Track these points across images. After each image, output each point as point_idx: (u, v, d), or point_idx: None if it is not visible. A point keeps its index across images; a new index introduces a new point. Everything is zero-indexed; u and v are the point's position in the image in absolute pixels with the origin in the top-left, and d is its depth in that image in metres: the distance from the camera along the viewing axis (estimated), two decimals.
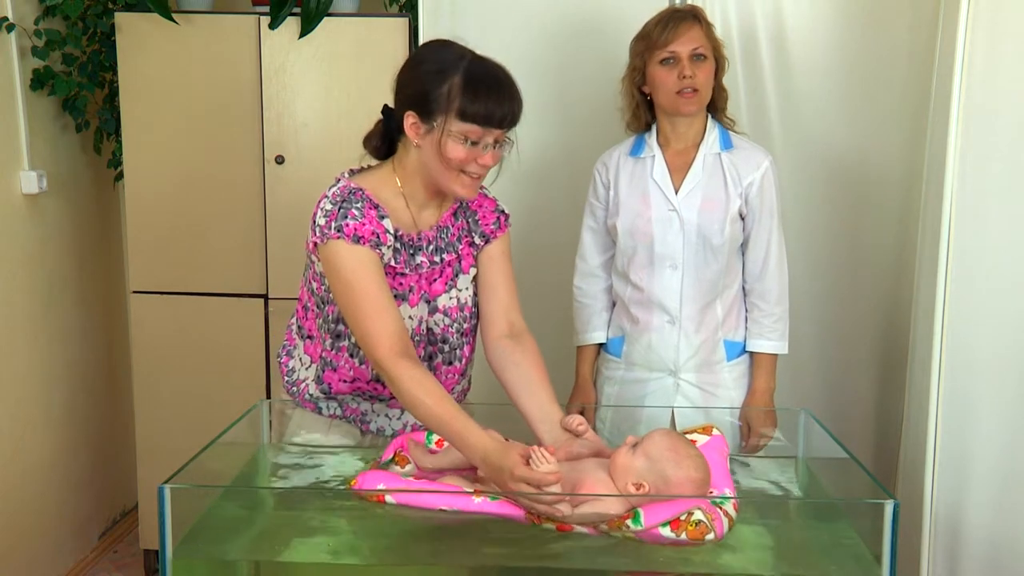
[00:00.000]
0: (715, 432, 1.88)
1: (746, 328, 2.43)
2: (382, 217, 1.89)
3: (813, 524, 1.78)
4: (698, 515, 1.60)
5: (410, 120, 1.88)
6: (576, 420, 1.87)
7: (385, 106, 1.98)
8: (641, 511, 1.63)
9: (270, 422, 2.09)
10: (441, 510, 1.68)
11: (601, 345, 2.53)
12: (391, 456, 1.89)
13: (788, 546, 1.72)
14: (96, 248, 3.57)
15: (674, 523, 1.60)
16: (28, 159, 3.09)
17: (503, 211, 2.08)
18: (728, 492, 1.75)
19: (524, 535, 1.66)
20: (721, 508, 1.64)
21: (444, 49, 1.90)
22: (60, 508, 3.33)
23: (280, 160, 3.18)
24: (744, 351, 2.43)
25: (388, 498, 1.70)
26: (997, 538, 2.29)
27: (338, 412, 2.06)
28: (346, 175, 1.98)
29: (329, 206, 1.89)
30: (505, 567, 1.69)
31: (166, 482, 1.60)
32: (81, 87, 3.25)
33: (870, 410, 2.93)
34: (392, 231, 1.90)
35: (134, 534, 3.63)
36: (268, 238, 3.23)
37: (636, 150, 2.43)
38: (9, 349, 3.05)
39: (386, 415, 2.06)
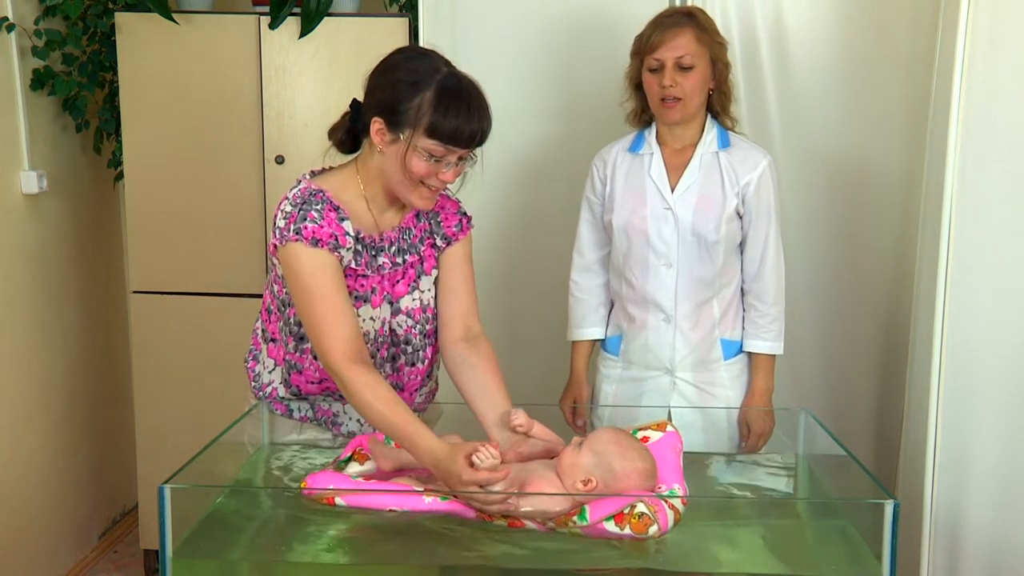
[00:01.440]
0: (669, 428, 1.89)
1: (743, 328, 2.43)
2: (342, 219, 1.88)
3: (813, 524, 1.78)
4: (640, 507, 1.62)
5: (376, 126, 1.86)
6: (517, 418, 1.86)
7: (354, 100, 1.96)
8: (587, 507, 1.64)
9: (269, 423, 2.08)
10: (391, 510, 1.69)
11: (598, 342, 2.53)
12: (349, 454, 1.88)
13: (788, 546, 1.72)
14: (96, 248, 3.57)
15: (617, 517, 1.62)
16: (28, 159, 3.09)
17: (465, 213, 2.08)
18: (677, 487, 1.75)
19: (516, 538, 1.66)
20: (666, 501, 1.66)
21: (420, 59, 1.88)
22: (60, 508, 3.33)
23: (280, 160, 3.18)
24: (741, 350, 2.43)
25: (338, 500, 1.71)
26: (997, 538, 2.29)
27: (309, 413, 2.06)
28: (307, 176, 1.97)
29: (289, 208, 1.88)
30: (505, 568, 1.69)
31: (166, 482, 1.60)
32: (81, 87, 3.25)
33: (870, 410, 2.93)
34: (352, 233, 1.89)
35: (134, 534, 3.63)
36: (268, 238, 3.23)
37: (635, 146, 2.43)
38: (9, 349, 3.05)
39: (357, 420, 2.05)
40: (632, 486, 1.69)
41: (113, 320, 3.69)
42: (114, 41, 3.19)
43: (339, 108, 3.11)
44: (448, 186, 1.94)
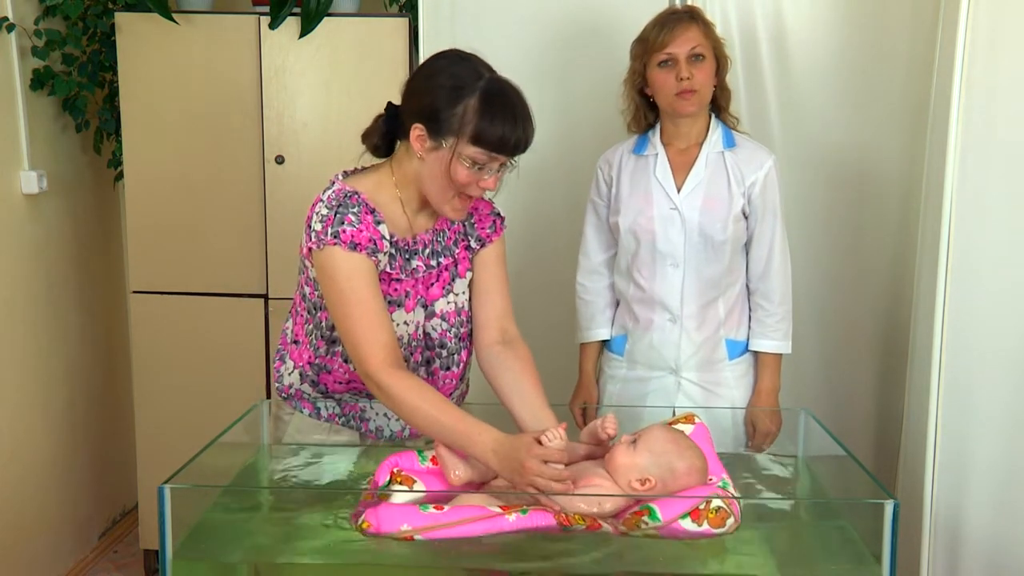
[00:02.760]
0: (697, 421, 1.89)
1: (749, 327, 2.43)
2: (378, 223, 1.85)
3: (813, 524, 1.78)
4: (717, 502, 1.62)
5: (417, 132, 1.83)
6: (609, 426, 1.82)
7: (390, 104, 1.92)
8: (655, 506, 1.63)
9: (270, 422, 2.08)
10: (479, 538, 1.62)
11: (604, 343, 2.53)
12: (388, 479, 1.77)
13: (788, 546, 1.72)
14: (96, 248, 3.57)
15: (694, 513, 1.61)
16: (28, 159, 3.09)
17: (499, 214, 2.06)
18: (725, 477, 1.77)
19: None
20: (731, 494, 1.67)
21: (462, 64, 1.84)
22: (60, 508, 3.33)
23: (280, 160, 3.18)
24: (746, 350, 2.43)
25: (416, 536, 1.62)
26: (997, 538, 2.29)
27: (336, 410, 2.04)
28: (340, 177, 1.94)
29: (325, 211, 1.84)
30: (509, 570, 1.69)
31: (166, 482, 1.60)
32: (81, 87, 3.25)
33: (870, 410, 2.93)
34: (388, 237, 1.87)
35: (134, 534, 3.63)
36: (268, 238, 3.23)
37: (639, 148, 2.43)
38: (9, 349, 3.05)
39: (385, 414, 2.04)
40: (692, 483, 1.69)
41: (113, 320, 3.69)
42: (114, 41, 3.19)
43: (339, 108, 3.15)
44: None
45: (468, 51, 1.87)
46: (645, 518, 1.63)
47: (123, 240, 3.66)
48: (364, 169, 1.97)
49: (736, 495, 1.73)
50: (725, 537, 1.65)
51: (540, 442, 1.67)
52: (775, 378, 2.43)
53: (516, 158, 1.85)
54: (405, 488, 1.73)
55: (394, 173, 1.93)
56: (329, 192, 1.88)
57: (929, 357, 2.32)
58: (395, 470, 1.78)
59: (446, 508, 1.65)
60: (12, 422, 3.06)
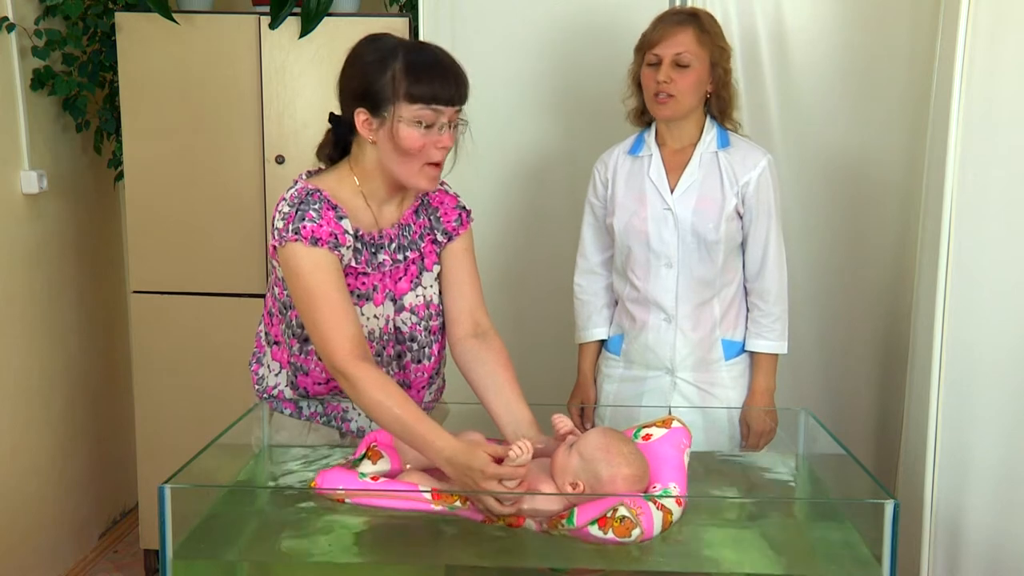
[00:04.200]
0: (675, 425, 1.85)
1: (745, 328, 2.43)
2: (340, 218, 1.87)
3: (813, 524, 1.78)
4: (622, 511, 1.60)
5: (361, 117, 1.87)
6: (562, 425, 1.83)
7: (331, 114, 1.97)
8: (575, 510, 1.64)
9: (269, 423, 2.08)
10: (400, 512, 1.69)
11: (602, 343, 2.54)
12: (363, 452, 1.85)
13: (788, 546, 1.72)
14: (96, 248, 3.57)
15: (601, 520, 1.61)
16: (28, 159, 3.09)
17: (465, 207, 2.07)
18: (673, 486, 1.71)
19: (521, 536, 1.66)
20: (655, 502, 1.63)
21: (379, 40, 1.90)
22: (60, 508, 3.33)
23: (280, 160, 3.18)
24: (743, 351, 2.43)
25: (347, 499, 1.71)
26: (997, 538, 2.29)
27: (319, 410, 2.04)
28: (303, 176, 1.97)
29: (287, 208, 1.87)
30: (508, 568, 1.69)
31: (166, 482, 1.60)
32: (81, 87, 3.25)
33: (870, 410, 2.93)
34: (351, 231, 1.89)
35: (134, 534, 3.63)
36: (268, 238, 3.23)
37: (635, 149, 2.43)
38: (9, 349, 3.05)
39: (367, 416, 2.04)
40: (619, 490, 1.67)
41: (113, 320, 3.69)
42: (114, 41, 3.19)
43: (339, 108, 3.13)
44: (446, 183, 1.92)
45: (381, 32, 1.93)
46: (564, 520, 1.64)
47: (123, 240, 3.66)
48: (326, 169, 2.00)
49: (664, 502, 1.66)
50: (725, 538, 1.65)
51: (501, 455, 1.66)
52: (770, 378, 2.42)
53: (463, 113, 1.88)
54: (370, 462, 1.80)
55: (353, 169, 1.95)
56: (292, 191, 1.91)
57: (929, 357, 2.32)
58: (372, 445, 1.83)
59: (381, 479, 1.76)
60: (12, 422, 3.06)
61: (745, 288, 2.43)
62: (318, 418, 2.05)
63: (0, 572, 2.99)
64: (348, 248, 1.88)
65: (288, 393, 2.04)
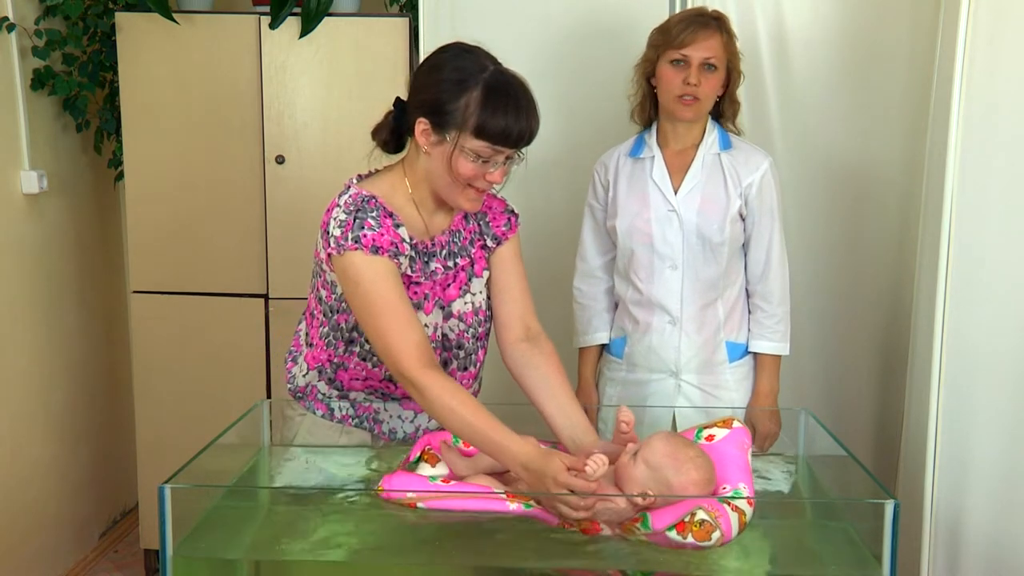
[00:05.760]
0: (736, 425, 1.84)
1: (749, 330, 2.43)
2: (398, 226, 1.85)
3: (813, 524, 1.78)
4: (700, 515, 1.59)
5: (421, 127, 1.83)
6: (625, 417, 1.82)
7: (398, 99, 1.92)
8: (649, 516, 1.63)
9: (270, 422, 2.08)
10: (475, 514, 1.67)
11: (604, 346, 2.53)
12: (418, 455, 1.84)
13: (788, 546, 1.72)
14: (96, 248, 3.57)
15: (679, 526, 1.59)
16: (28, 159, 3.09)
17: (512, 211, 2.05)
18: (743, 487, 1.72)
19: (524, 533, 1.66)
20: (730, 504, 1.63)
21: (466, 57, 1.83)
22: (60, 508, 3.33)
23: (280, 160, 3.18)
24: (746, 353, 2.43)
25: (419, 503, 1.69)
26: (997, 538, 2.29)
27: (350, 411, 2.03)
28: (355, 181, 1.93)
29: (343, 216, 1.83)
30: (509, 568, 1.69)
31: (166, 482, 1.60)
32: (81, 87, 3.25)
33: (870, 410, 2.93)
34: (408, 239, 1.86)
35: (134, 534, 3.63)
36: (268, 238, 3.23)
37: (636, 150, 2.43)
38: (9, 349, 3.05)
39: (399, 416, 2.04)
40: (692, 494, 1.66)
41: (113, 320, 3.69)
42: (114, 41, 3.19)
43: (339, 108, 3.15)
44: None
45: (472, 43, 1.87)
46: (638, 525, 1.63)
47: (123, 240, 3.66)
48: (377, 172, 1.97)
49: (736, 502, 1.67)
50: (742, 535, 1.65)
51: (577, 467, 1.65)
52: (774, 380, 2.42)
53: (523, 151, 1.85)
54: (428, 465, 1.79)
55: (407, 174, 1.92)
56: (345, 197, 1.87)
57: (929, 357, 2.32)
58: (427, 448, 1.82)
59: (452, 483, 1.73)
60: (12, 422, 3.06)
61: (747, 290, 2.43)
62: (349, 420, 2.03)
63: (0, 572, 2.99)
64: (406, 256, 1.86)
65: (323, 388, 2.02)
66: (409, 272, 1.88)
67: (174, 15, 3.10)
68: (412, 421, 2.04)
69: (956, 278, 2.28)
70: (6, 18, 2.96)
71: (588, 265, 2.51)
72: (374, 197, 1.86)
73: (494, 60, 1.85)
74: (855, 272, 2.88)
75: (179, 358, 3.30)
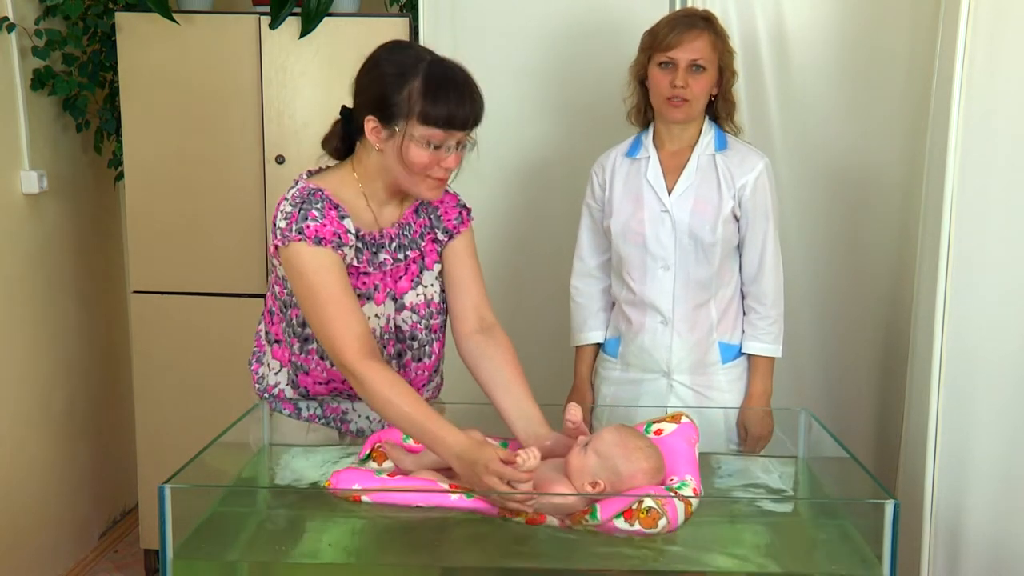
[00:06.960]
0: (684, 420, 1.89)
1: (742, 331, 2.43)
2: (343, 217, 1.88)
3: (813, 524, 1.78)
4: (648, 502, 1.63)
5: (371, 125, 1.87)
6: (573, 414, 1.85)
7: (343, 107, 1.97)
8: (598, 506, 1.65)
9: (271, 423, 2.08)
10: (417, 507, 1.71)
11: (600, 345, 2.53)
12: (368, 452, 1.89)
13: (788, 546, 1.72)
14: (96, 248, 3.57)
15: (627, 513, 1.62)
16: (28, 159, 3.09)
17: (465, 206, 2.08)
18: (689, 478, 1.75)
19: (522, 535, 1.66)
20: (676, 494, 1.66)
21: (402, 51, 1.89)
22: (60, 508, 3.33)
23: (280, 160, 3.19)
24: (740, 354, 2.43)
25: (364, 497, 1.72)
26: (997, 538, 2.30)
27: (318, 412, 2.05)
28: (304, 176, 1.97)
29: (289, 208, 1.87)
30: (508, 568, 1.69)
31: (166, 482, 1.60)
32: (81, 87, 3.25)
33: (870, 410, 2.93)
34: (353, 231, 1.89)
35: (134, 534, 3.63)
36: (268, 238, 3.23)
37: (632, 151, 2.43)
38: (9, 349, 3.05)
39: (367, 416, 2.05)
40: (640, 484, 1.70)
41: (113, 320, 3.69)
42: (114, 41, 3.19)
43: (339, 108, 3.13)
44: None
45: (405, 40, 1.93)
46: (587, 516, 1.65)
47: (123, 240, 3.66)
48: (327, 168, 2.00)
49: (682, 492, 1.70)
50: (725, 538, 1.65)
51: (510, 460, 1.66)
52: (767, 381, 2.42)
53: (473, 134, 1.88)
54: (376, 463, 1.86)
55: (355, 169, 1.96)
56: (293, 191, 1.91)
57: (929, 357, 2.32)
58: (376, 445, 1.87)
59: (397, 477, 1.78)
60: (12, 422, 3.06)
61: (741, 291, 2.43)
62: (317, 420, 2.05)
63: (0, 572, 2.99)
64: (351, 247, 1.89)
65: (289, 392, 2.04)
66: (356, 263, 1.91)
67: (174, 15, 3.10)
68: (380, 421, 2.04)
69: (956, 278, 2.28)
70: (6, 18, 2.96)
71: (585, 264, 2.52)
72: (320, 190, 1.90)
73: (430, 52, 1.89)
74: (855, 272, 2.88)
75: (179, 358, 3.30)
